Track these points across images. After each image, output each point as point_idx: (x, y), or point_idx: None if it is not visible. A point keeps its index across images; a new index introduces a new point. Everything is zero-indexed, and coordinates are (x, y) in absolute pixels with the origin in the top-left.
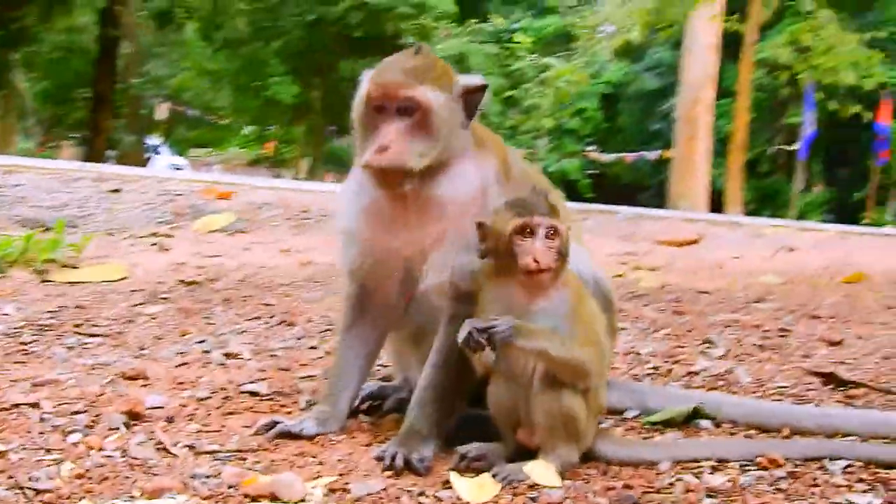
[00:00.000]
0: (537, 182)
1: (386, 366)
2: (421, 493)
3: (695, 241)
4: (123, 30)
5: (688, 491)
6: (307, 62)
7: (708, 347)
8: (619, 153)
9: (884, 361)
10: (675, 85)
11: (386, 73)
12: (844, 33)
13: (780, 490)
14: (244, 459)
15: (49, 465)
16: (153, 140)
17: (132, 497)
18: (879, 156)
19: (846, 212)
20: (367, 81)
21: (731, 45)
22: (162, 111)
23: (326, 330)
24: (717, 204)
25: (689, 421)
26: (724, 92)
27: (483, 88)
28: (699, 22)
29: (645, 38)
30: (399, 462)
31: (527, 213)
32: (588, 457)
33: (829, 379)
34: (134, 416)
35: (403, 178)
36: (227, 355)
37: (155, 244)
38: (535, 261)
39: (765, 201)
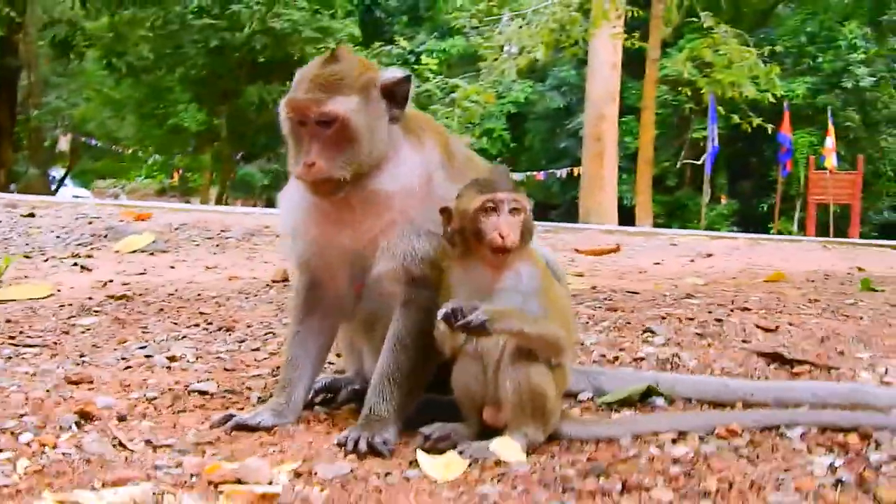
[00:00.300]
0: (480, 166)
1: (332, 364)
2: (388, 474)
3: (615, 250)
4: (22, 59)
5: (653, 460)
6: (212, 88)
7: (649, 336)
8: (529, 172)
9: (821, 344)
10: (580, 103)
11: (299, 90)
12: (743, 48)
13: (742, 456)
14: (204, 452)
15: (3, 463)
16: (56, 172)
17: (94, 489)
18: (784, 166)
19: (753, 223)
20: (285, 98)
21: (633, 63)
22: (64, 142)
23: (268, 333)
24: (626, 219)
25: (643, 399)
26: (629, 109)
27: (406, 79)
28: (601, 40)
29: (549, 57)
30: (362, 446)
31: (490, 189)
32: (551, 437)
33: (774, 358)
34: (85, 416)
35: (335, 188)
36: (171, 358)
37: (76, 265)
38: (501, 236)
39: (673, 215)
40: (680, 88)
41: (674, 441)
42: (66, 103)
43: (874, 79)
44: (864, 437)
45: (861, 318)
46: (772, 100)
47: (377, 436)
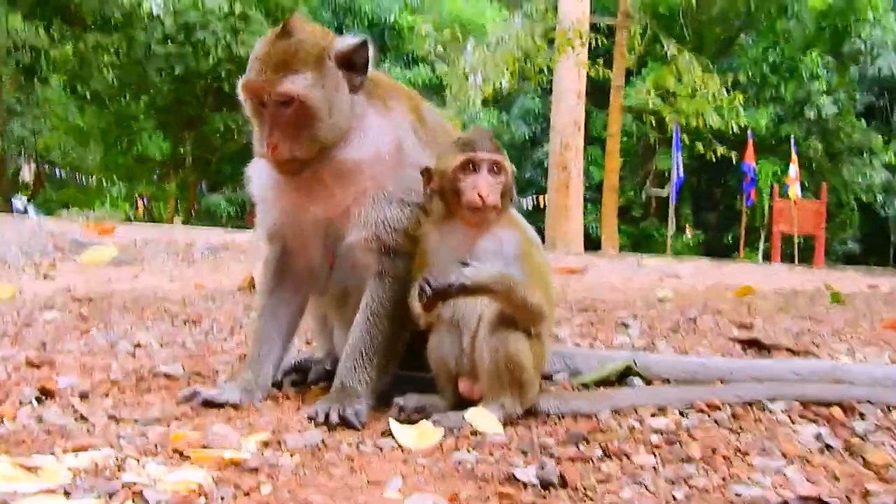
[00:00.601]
0: (453, 131)
1: (301, 352)
2: (360, 443)
3: (583, 270)
4: None
5: (632, 430)
6: (176, 116)
7: (623, 330)
8: None
9: (797, 336)
10: (545, 132)
11: (252, 71)
12: (707, 76)
13: (724, 427)
14: (168, 425)
15: None
16: (19, 201)
17: (54, 455)
18: (748, 196)
19: (718, 254)
20: (241, 80)
21: (598, 92)
22: (28, 171)
23: (235, 325)
24: (592, 249)
25: (621, 380)
26: (594, 139)
27: (362, 45)
28: (566, 69)
29: (514, 86)
30: (333, 417)
31: (470, 149)
32: (528, 412)
33: (751, 344)
34: (46, 393)
35: (300, 166)
36: (136, 345)
37: (39, 274)
38: (480, 196)
39: (639, 245)
40: (644, 117)
41: (653, 415)
42: (29, 132)
43: (836, 108)
44: (847, 409)
45: (834, 322)
46: (735, 129)
47: (348, 407)
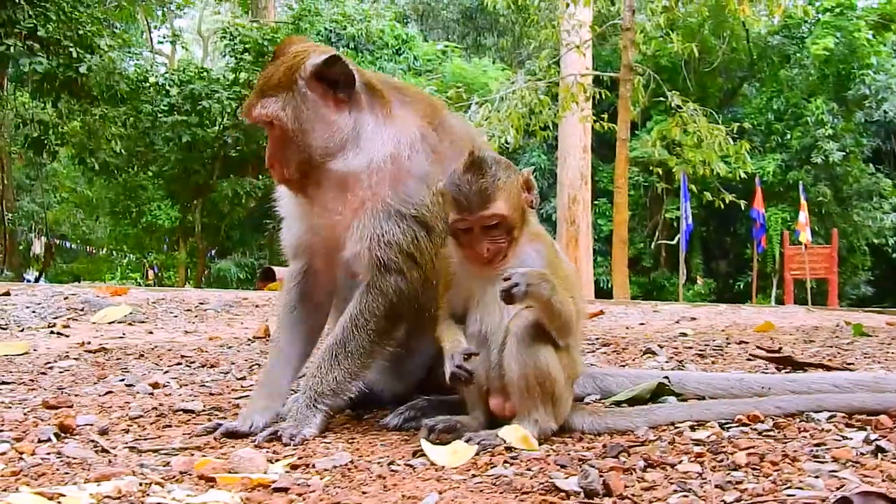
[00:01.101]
0: (476, 139)
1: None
2: (391, 463)
3: (599, 313)
4: None
5: (673, 443)
6: (185, 184)
7: (650, 357)
8: None
9: (829, 361)
10: (552, 187)
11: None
12: (712, 126)
13: (770, 437)
14: (192, 454)
15: None
16: (31, 275)
17: (76, 484)
18: (758, 242)
19: (730, 302)
20: None
21: (604, 145)
22: (38, 245)
23: (254, 366)
24: (603, 300)
25: (654, 398)
26: (601, 192)
27: (329, 61)
28: (571, 124)
29: (519, 142)
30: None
31: (460, 209)
32: (562, 429)
33: (785, 363)
34: (65, 430)
35: (299, 185)
36: (154, 385)
37: (53, 332)
38: (480, 256)
39: (650, 296)
40: (651, 168)
41: (692, 428)
42: (39, 206)
43: (843, 153)
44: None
45: (862, 348)
46: (743, 176)
47: (289, 429)
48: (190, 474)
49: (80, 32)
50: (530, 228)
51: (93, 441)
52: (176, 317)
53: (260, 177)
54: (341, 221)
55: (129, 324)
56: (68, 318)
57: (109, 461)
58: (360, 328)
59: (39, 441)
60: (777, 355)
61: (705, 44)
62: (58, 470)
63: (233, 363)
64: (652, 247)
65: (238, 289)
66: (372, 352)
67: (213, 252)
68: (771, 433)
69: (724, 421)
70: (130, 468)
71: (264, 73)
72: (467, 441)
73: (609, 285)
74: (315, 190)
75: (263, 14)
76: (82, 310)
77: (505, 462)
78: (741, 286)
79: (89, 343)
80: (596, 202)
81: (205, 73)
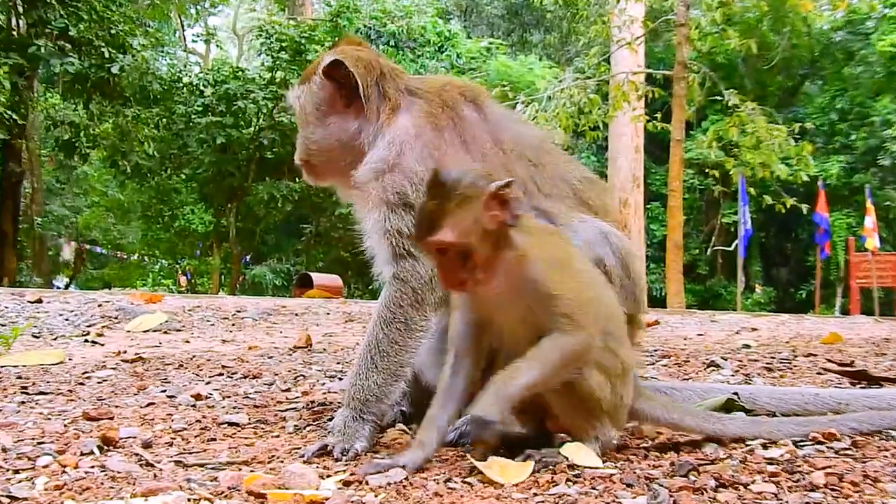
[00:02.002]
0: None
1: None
2: (448, 480)
3: (655, 324)
4: (25, 165)
5: (745, 461)
6: (219, 187)
7: (714, 370)
8: None
9: None
10: None
11: None
12: (772, 126)
13: (848, 456)
14: (240, 469)
15: (21, 482)
16: (61, 282)
17: (122, 499)
18: (822, 249)
19: (791, 311)
20: None
21: (656, 146)
22: (68, 251)
23: (298, 377)
24: (657, 309)
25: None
26: (654, 195)
27: (332, 64)
28: (622, 123)
29: (568, 143)
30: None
31: (414, 232)
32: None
33: (859, 377)
34: (107, 442)
35: (307, 172)
36: (196, 397)
37: (87, 341)
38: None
39: (706, 304)
40: (707, 171)
41: (764, 446)
42: (69, 210)
43: None
44: None
45: None
46: (805, 179)
47: (340, 445)
48: (239, 490)
49: (113, 32)
50: (517, 245)
51: (137, 454)
52: (212, 325)
53: (297, 179)
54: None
55: (165, 332)
56: (102, 326)
57: (155, 475)
58: (389, 322)
59: (82, 454)
60: (851, 369)
61: (764, 40)
62: (102, 484)
63: (276, 374)
64: (708, 253)
65: (274, 296)
66: (405, 346)
67: (248, 257)
68: (849, 452)
69: (797, 439)
70: (177, 483)
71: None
72: (526, 458)
73: (663, 294)
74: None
75: (301, 11)
76: (116, 317)
77: (568, 480)
78: (803, 295)
79: (125, 352)
80: (648, 206)
81: (240, 73)
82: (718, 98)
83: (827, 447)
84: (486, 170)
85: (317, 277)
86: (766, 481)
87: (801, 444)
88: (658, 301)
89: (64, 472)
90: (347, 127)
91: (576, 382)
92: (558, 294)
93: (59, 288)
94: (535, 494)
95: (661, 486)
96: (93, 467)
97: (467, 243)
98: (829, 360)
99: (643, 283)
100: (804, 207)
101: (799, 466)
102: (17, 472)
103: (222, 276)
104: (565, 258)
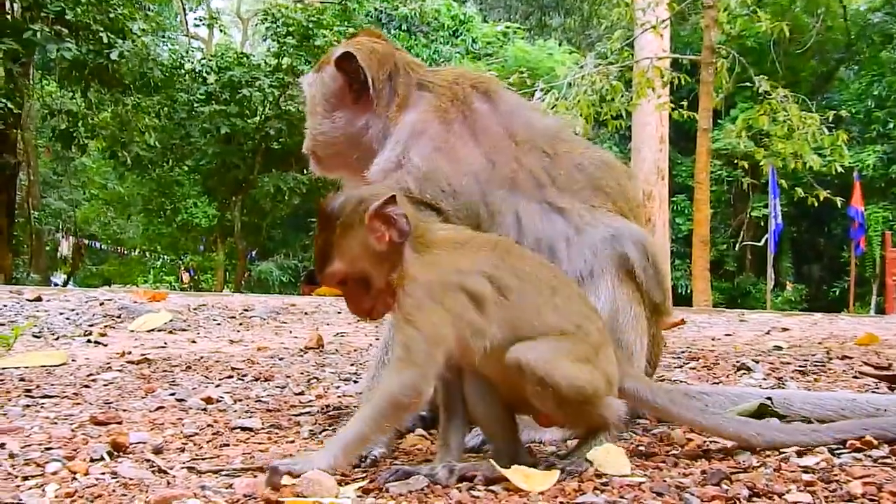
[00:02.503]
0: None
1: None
2: (471, 488)
3: (681, 323)
4: (21, 156)
5: (779, 469)
6: (223, 180)
7: (745, 374)
8: None
9: None
10: None
11: None
12: (805, 114)
13: (887, 465)
14: (255, 475)
15: (31, 489)
16: (58, 279)
17: None
18: (856, 244)
19: (823, 309)
20: None
21: (682, 136)
22: (66, 246)
23: (311, 379)
24: (683, 307)
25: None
26: (680, 187)
27: (343, 57)
28: (646, 112)
29: (588, 133)
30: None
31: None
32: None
33: None
34: (118, 447)
35: (315, 162)
36: (207, 400)
37: (89, 341)
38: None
39: (734, 302)
40: (735, 162)
41: (799, 455)
42: (67, 204)
43: None
44: None
45: None
46: (839, 170)
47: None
48: (255, 497)
49: (111, 16)
50: (404, 263)
51: (148, 460)
52: (219, 324)
53: (304, 171)
54: None
55: (170, 332)
56: (105, 326)
57: (168, 482)
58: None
59: (92, 460)
60: (889, 373)
61: (797, 22)
62: (114, 491)
63: (288, 376)
64: (736, 248)
65: (280, 293)
66: None
67: (254, 253)
68: (888, 460)
69: (834, 446)
70: (191, 490)
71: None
72: (550, 466)
73: (688, 291)
74: None
75: None
76: (119, 316)
77: (595, 489)
78: (836, 293)
79: (130, 353)
80: (674, 199)
81: (245, 59)
82: (748, 84)
83: (865, 455)
84: (371, 190)
85: None
86: (801, 491)
87: (838, 451)
88: (684, 299)
89: (74, 478)
90: (355, 122)
91: (548, 380)
92: (408, 320)
93: (56, 285)
94: (562, 503)
95: (693, 495)
96: (104, 474)
97: (360, 270)
98: (866, 363)
99: (665, 273)
100: (838, 200)
101: (835, 475)
102: (26, 478)
103: (227, 273)
104: (447, 280)
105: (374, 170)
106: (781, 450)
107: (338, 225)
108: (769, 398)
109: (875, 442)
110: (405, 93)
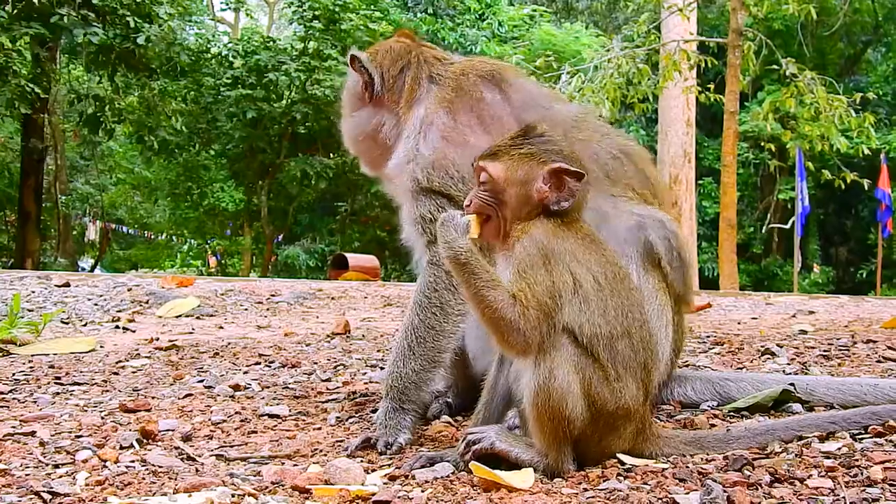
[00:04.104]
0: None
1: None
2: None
3: (706, 307)
4: (48, 140)
5: (801, 454)
6: (250, 164)
7: (769, 359)
8: None
9: None
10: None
11: None
12: (832, 96)
13: None
14: (283, 463)
15: (62, 477)
16: (86, 263)
17: (165, 495)
18: (884, 226)
19: (851, 292)
20: None
21: (709, 119)
22: (93, 230)
23: (338, 366)
24: (710, 290)
25: (777, 407)
26: (706, 170)
27: (352, 59)
28: (673, 96)
29: (615, 116)
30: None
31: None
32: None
33: None
34: (147, 435)
35: (360, 162)
36: (235, 387)
37: (118, 327)
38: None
39: (761, 285)
40: (762, 144)
41: (821, 440)
42: (94, 188)
43: None
44: None
45: None
46: (866, 152)
47: (382, 439)
48: (283, 485)
49: (138, 0)
50: (534, 222)
51: (177, 448)
52: (246, 310)
53: (331, 155)
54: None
55: (198, 318)
56: (133, 312)
57: (197, 470)
58: (425, 307)
59: (122, 447)
60: None
61: (824, 4)
62: (144, 479)
63: (315, 363)
64: (763, 231)
65: (307, 277)
66: (443, 331)
67: (281, 237)
68: None
69: (855, 431)
70: (220, 478)
71: None
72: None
73: (715, 274)
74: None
75: None
76: (147, 302)
77: (619, 475)
78: (863, 275)
79: (158, 339)
80: (700, 182)
81: (271, 43)
82: (775, 67)
83: (886, 440)
84: (576, 154)
85: (352, 258)
86: (822, 476)
87: (860, 436)
88: (711, 282)
89: (105, 466)
90: (372, 119)
91: (552, 382)
92: (524, 277)
93: (84, 269)
94: (586, 490)
95: (715, 481)
96: (133, 461)
97: (504, 189)
98: (890, 348)
99: (691, 264)
100: (865, 182)
101: (857, 461)
102: (57, 466)
103: (254, 257)
104: (563, 256)
105: (391, 165)
106: (804, 436)
107: (527, 146)
108: (792, 384)
109: None
110: (415, 88)
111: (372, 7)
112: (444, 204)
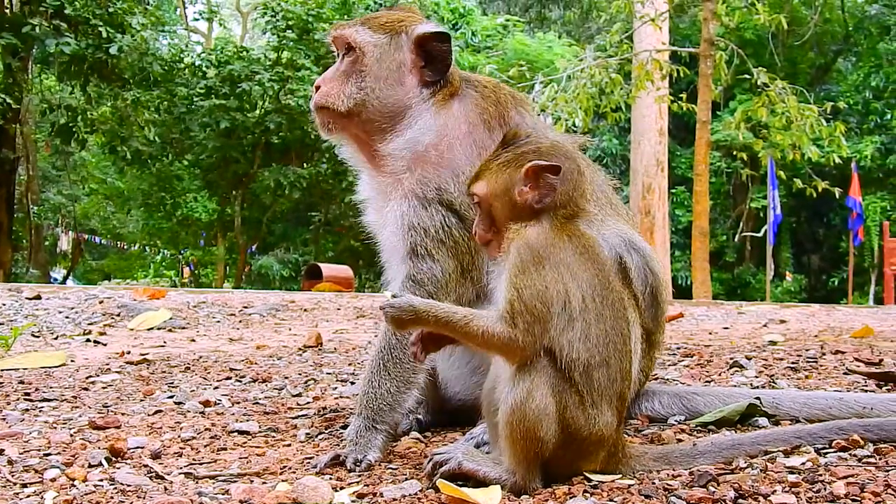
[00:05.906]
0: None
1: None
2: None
3: (678, 317)
4: (20, 150)
5: (765, 470)
6: (223, 174)
7: (738, 371)
8: None
9: None
10: (624, 174)
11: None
12: (803, 106)
13: (871, 464)
14: (251, 481)
15: (30, 497)
16: (58, 274)
17: None
18: (855, 234)
19: (823, 299)
20: None
21: (681, 128)
22: (65, 241)
23: (309, 380)
24: (683, 298)
25: (743, 421)
26: (679, 179)
27: (439, 36)
28: (645, 105)
29: (588, 125)
30: (350, 465)
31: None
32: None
33: (886, 378)
34: (116, 453)
35: (331, 119)
36: (205, 403)
37: (89, 340)
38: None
39: (734, 293)
40: (734, 153)
41: (786, 455)
42: (66, 198)
43: None
44: None
45: None
46: (837, 161)
47: (352, 455)
48: (251, 503)
49: (110, 10)
50: (517, 230)
51: (146, 466)
52: (219, 322)
53: (305, 165)
54: (387, 205)
55: (170, 330)
56: (104, 325)
57: (165, 488)
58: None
59: (90, 466)
60: (878, 370)
61: (795, 15)
62: (112, 498)
63: (286, 377)
64: (736, 239)
65: (281, 288)
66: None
67: (254, 248)
68: (871, 460)
69: (820, 446)
70: (188, 496)
71: (371, 14)
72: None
73: (688, 282)
74: (376, 171)
75: None
76: (118, 314)
77: (585, 492)
78: (835, 283)
79: (129, 353)
80: (673, 190)
81: (244, 53)
82: (747, 77)
83: (850, 455)
84: (551, 149)
85: (326, 268)
86: (786, 492)
87: (824, 451)
88: (684, 290)
89: (73, 485)
90: (400, 94)
91: (529, 403)
92: (513, 283)
93: (56, 280)
94: None
95: (680, 497)
96: (102, 480)
97: (493, 204)
98: (857, 359)
99: (665, 306)
100: (836, 191)
101: (820, 476)
102: (24, 485)
103: (227, 267)
104: (558, 265)
105: (400, 143)
106: (770, 450)
107: (505, 155)
108: (758, 398)
109: (861, 441)
110: (457, 84)
111: (346, 17)
112: (453, 222)
